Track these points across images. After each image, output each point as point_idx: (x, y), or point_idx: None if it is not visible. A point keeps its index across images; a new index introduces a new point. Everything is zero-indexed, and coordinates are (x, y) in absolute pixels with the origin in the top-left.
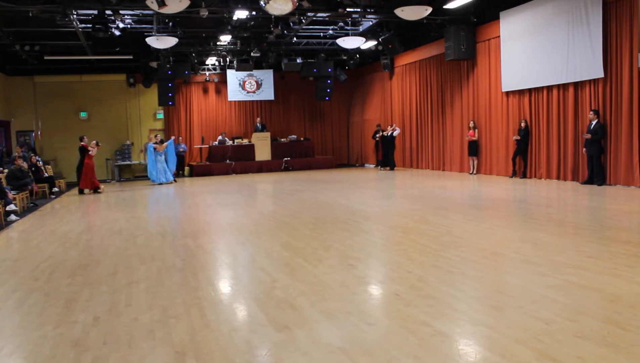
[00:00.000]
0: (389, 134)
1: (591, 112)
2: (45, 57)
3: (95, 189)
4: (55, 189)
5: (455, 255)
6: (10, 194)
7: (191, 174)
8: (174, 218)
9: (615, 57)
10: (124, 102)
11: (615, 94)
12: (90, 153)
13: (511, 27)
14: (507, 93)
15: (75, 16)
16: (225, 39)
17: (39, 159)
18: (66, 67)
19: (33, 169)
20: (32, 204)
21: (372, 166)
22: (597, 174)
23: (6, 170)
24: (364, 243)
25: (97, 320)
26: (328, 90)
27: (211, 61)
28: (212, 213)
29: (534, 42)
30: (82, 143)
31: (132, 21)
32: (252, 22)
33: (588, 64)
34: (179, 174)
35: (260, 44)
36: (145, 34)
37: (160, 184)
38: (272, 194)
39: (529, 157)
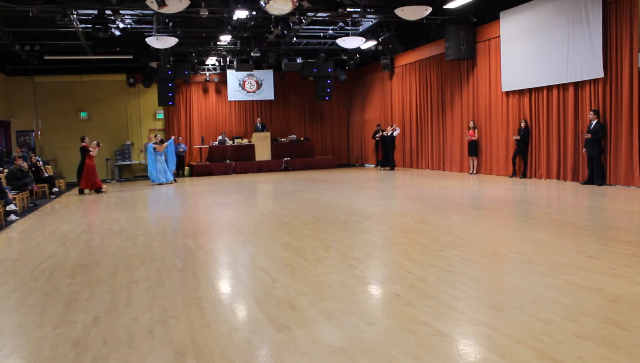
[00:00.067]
0: (389, 134)
1: (591, 112)
2: (45, 57)
3: (98, 190)
4: (55, 189)
5: (455, 255)
6: (10, 194)
7: (191, 174)
8: (174, 218)
9: (615, 57)
10: (124, 102)
11: (615, 94)
12: (91, 153)
13: (511, 27)
14: (507, 93)
15: (75, 16)
16: (225, 39)
17: (39, 159)
18: (66, 67)
19: (33, 169)
20: (32, 204)
21: (372, 166)
22: (597, 174)
23: (6, 170)
24: (364, 243)
25: (97, 320)
26: (328, 90)
27: (211, 61)
28: (212, 213)
29: (534, 42)
30: (83, 144)
31: (132, 21)
32: (252, 22)
33: (588, 64)
34: (179, 174)
35: (260, 44)
36: (145, 34)
37: (160, 184)
38: (272, 194)
39: (529, 157)
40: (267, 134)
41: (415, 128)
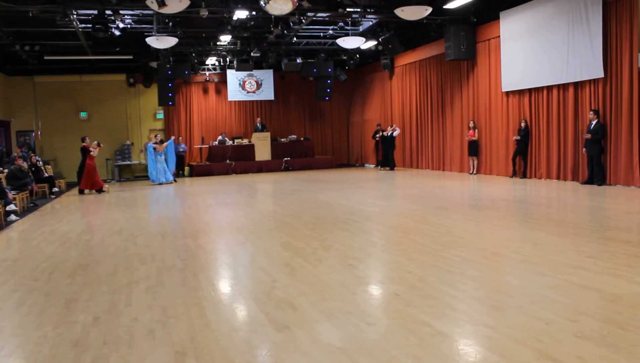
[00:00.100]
0: (389, 134)
1: (591, 112)
2: (45, 57)
3: (99, 190)
4: (55, 189)
5: (455, 255)
6: (10, 194)
7: (191, 174)
8: (174, 218)
9: (615, 57)
10: (124, 102)
11: (615, 94)
12: (91, 153)
13: (511, 27)
14: (507, 93)
15: (75, 16)
16: (225, 39)
17: (39, 159)
18: (66, 67)
19: (33, 169)
20: (32, 204)
21: (372, 166)
22: (597, 174)
23: (6, 170)
24: (364, 243)
25: (97, 320)
26: (328, 90)
27: (211, 61)
28: (212, 213)
29: (534, 42)
30: (83, 144)
31: (132, 21)
32: (252, 22)
33: (588, 64)
34: (178, 174)
35: (260, 44)
36: (145, 34)
37: (160, 184)
38: (272, 194)
39: (529, 157)
40: (267, 134)
41: (415, 128)
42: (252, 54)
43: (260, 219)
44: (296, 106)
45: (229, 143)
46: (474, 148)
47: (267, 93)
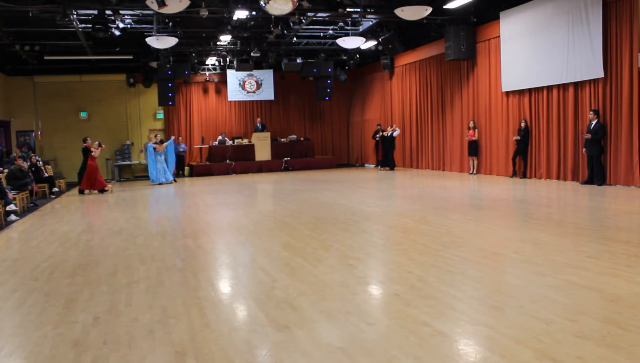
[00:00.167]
0: (389, 134)
1: (591, 112)
2: (45, 57)
3: (102, 190)
4: (55, 189)
5: (455, 255)
6: (10, 194)
7: (191, 174)
8: (174, 218)
9: (615, 57)
10: (124, 102)
11: (615, 94)
12: (92, 153)
13: (511, 27)
14: (507, 93)
15: (75, 16)
16: (225, 39)
17: (39, 159)
18: (66, 67)
19: (33, 169)
20: (32, 204)
21: (372, 166)
22: (597, 174)
23: (6, 170)
24: (364, 243)
25: (97, 320)
26: (328, 90)
27: (211, 61)
28: (212, 213)
29: (534, 42)
30: (85, 144)
31: (132, 21)
32: (252, 22)
33: (588, 64)
34: (178, 174)
35: (260, 44)
36: (145, 34)
37: (160, 184)
38: (272, 194)
39: (529, 157)
40: (267, 134)
41: (415, 128)
42: (252, 54)
43: (260, 219)
44: (296, 106)
45: (229, 142)
46: (474, 148)
47: (267, 93)
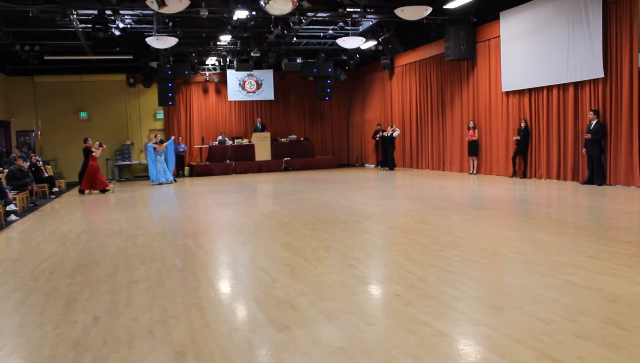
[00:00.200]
0: (389, 134)
1: (591, 112)
2: (45, 57)
3: (103, 190)
4: (55, 189)
5: (455, 255)
6: (10, 194)
7: (191, 174)
8: (174, 218)
9: (615, 57)
10: (124, 102)
11: (615, 94)
12: (93, 154)
13: (511, 27)
14: (507, 93)
15: (75, 16)
16: (225, 39)
17: (39, 159)
18: (66, 67)
19: (33, 169)
20: (32, 204)
21: (372, 166)
22: (597, 174)
23: (6, 170)
24: (364, 243)
25: (97, 320)
26: (328, 90)
27: (211, 61)
28: (212, 213)
29: (534, 42)
30: (86, 145)
31: (132, 21)
32: (252, 22)
33: (588, 64)
34: (178, 174)
35: (260, 44)
36: (145, 34)
37: (160, 184)
38: (272, 194)
39: (529, 157)
40: (267, 134)
41: (415, 128)
42: (252, 54)
43: (260, 219)
44: (296, 106)
45: (229, 143)
46: (474, 148)
47: (267, 93)
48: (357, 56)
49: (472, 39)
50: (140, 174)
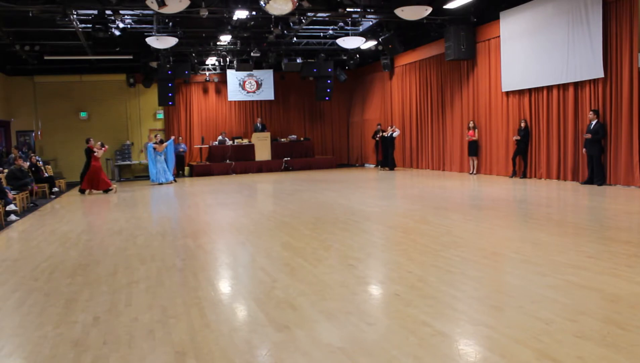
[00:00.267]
0: (388, 134)
1: (591, 112)
2: (45, 57)
3: (107, 190)
4: (55, 189)
5: (455, 255)
6: (10, 194)
7: (191, 174)
8: (174, 218)
9: (615, 57)
10: (124, 102)
11: (615, 94)
12: (95, 154)
13: (511, 27)
14: (507, 93)
15: (75, 16)
16: (225, 39)
17: (39, 159)
18: (66, 67)
19: (33, 169)
20: (32, 204)
21: (372, 166)
22: (597, 174)
23: (6, 170)
24: (364, 243)
25: (97, 320)
26: (328, 90)
27: (211, 61)
28: (212, 213)
29: (534, 42)
30: (88, 145)
31: (132, 21)
32: (252, 22)
33: (588, 64)
34: (178, 174)
35: (260, 44)
36: (145, 34)
37: (160, 184)
38: (272, 194)
39: (529, 157)
40: (267, 134)
41: (415, 128)
42: (252, 54)
43: (260, 219)
44: (296, 106)
45: (229, 143)
46: (474, 148)
47: (267, 93)
48: (357, 56)
49: (472, 39)
50: (140, 174)
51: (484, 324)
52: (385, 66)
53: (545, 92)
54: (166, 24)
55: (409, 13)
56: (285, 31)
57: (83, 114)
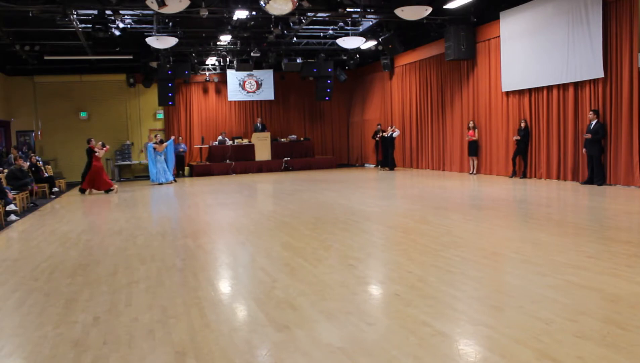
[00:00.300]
0: (388, 135)
1: (591, 112)
2: (45, 57)
3: (108, 190)
4: (55, 189)
5: (455, 255)
6: (10, 194)
7: (191, 174)
8: (174, 218)
9: (615, 57)
10: (124, 102)
11: (615, 94)
12: (96, 154)
13: (511, 27)
14: (507, 93)
15: (75, 16)
16: (225, 39)
17: (39, 159)
18: (66, 67)
19: (33, 169)
20: (32, 204)
21: (372, 166)
22: (597, 174)
23: (6, 170)
24: (364, 243)
25: (97, 320)
26: (328, 90)
27: (211, 61)
28: (212, 213)
29: (534, 42)
30: (89, 145)
31: (132, 21)
32: (252, 22)
33: (588, 64)
34: (178, 174)
35: (260, 44)
36: (145, 34)
37: (160, 184)
38: (272, 194)
39: (529, 157)
40: (267, 134)
41: (415, 128)
42: (252, 54)
43: (260, 219)
44: (296, 106)
45: (229, 143)
46: (474, 148)
47: (267, 93)
48: (357, 56)
49: (472, 39)
50: (140, 174)
51: (484, 324)
52: (385, 66)
53: (545, 92)
54: (166, 24)
55: (409, 13)
56: (285, 31)
57: (83, 114)
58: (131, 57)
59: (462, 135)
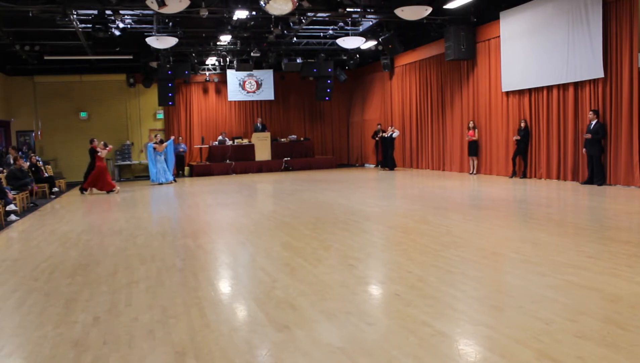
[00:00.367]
0: (388, 135)
1: (591, 112)
2: (45, 57)
3: (110, 191)
4: (55, 189)
5: (455, 255)
6: (10, 194)
7: (191, 174)
8: (174, 218)
9: (615, 57)
10: (124, 102)
11: (615, 94)
12: (99, 154)
13: (511, 27)
14: (507, 93)
15: (75, 16)
16: (225, 39)
17: (39, 159)
18: (66, 67)
19: (33, 169)
20: (32, 204)
21: (372, 166)
22: (597, 174)
23: (6, 170)
24: (364, 243)
25: (97, 320)
26: (328, 90)
27: (211, 61)
28: (212, 213)
29: (534, 42)
30: (92, 145)
31: (132, 21)
32: (252, 22)
33: (588, 64)
34: (178, 174)
35: (260, 44)
36: (145, 34)
37: (160, 184)
38: (272, 194)
39: (529, 157)
40: (267, 134)
41: (415, 128)
42: (252, 54)
43: (260, 219)
44: (296, 106)
45: (229, 143)
46: (474, 148)
47: (267, 93)
48: (357, 56)
49: (472, 39)
50: (140, 174)
51: (484, 324)
52: (385, 66)
53: (545, 92)
54: (166, 24)
55: (409, 13)
56: (285, 31)
57: (83, 114)
58: (131, 57)
59: (462, 135)
